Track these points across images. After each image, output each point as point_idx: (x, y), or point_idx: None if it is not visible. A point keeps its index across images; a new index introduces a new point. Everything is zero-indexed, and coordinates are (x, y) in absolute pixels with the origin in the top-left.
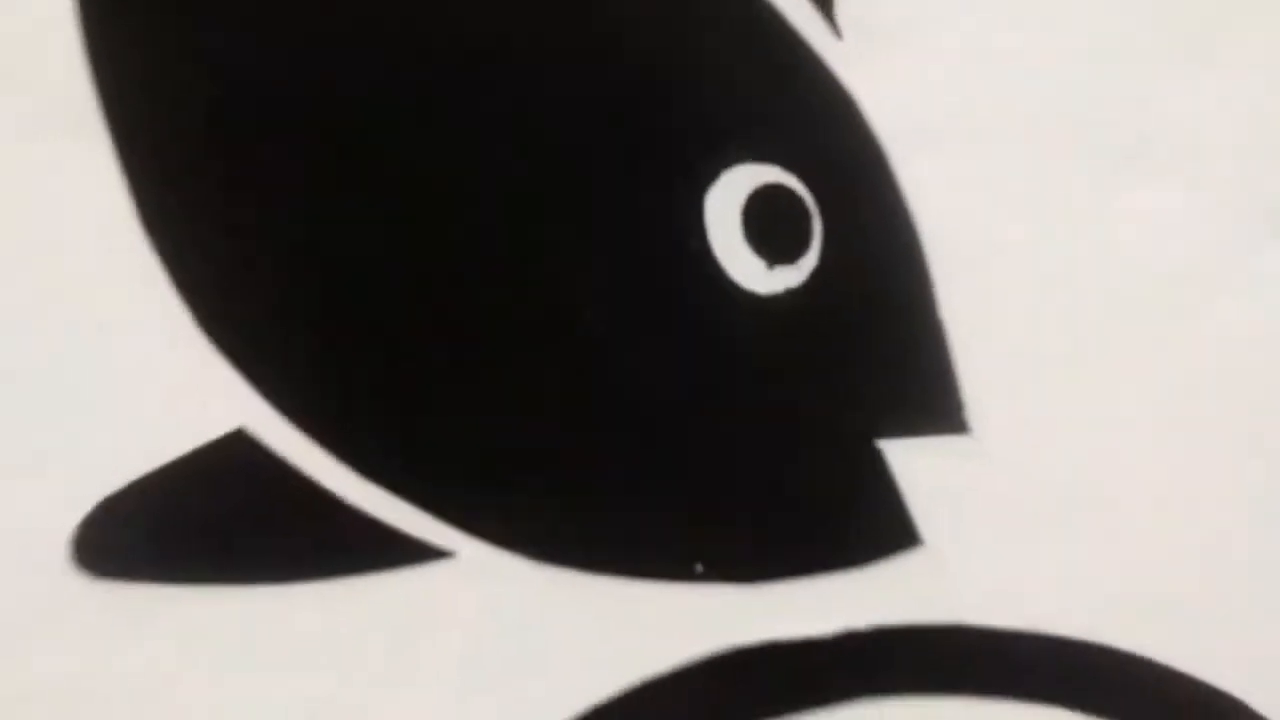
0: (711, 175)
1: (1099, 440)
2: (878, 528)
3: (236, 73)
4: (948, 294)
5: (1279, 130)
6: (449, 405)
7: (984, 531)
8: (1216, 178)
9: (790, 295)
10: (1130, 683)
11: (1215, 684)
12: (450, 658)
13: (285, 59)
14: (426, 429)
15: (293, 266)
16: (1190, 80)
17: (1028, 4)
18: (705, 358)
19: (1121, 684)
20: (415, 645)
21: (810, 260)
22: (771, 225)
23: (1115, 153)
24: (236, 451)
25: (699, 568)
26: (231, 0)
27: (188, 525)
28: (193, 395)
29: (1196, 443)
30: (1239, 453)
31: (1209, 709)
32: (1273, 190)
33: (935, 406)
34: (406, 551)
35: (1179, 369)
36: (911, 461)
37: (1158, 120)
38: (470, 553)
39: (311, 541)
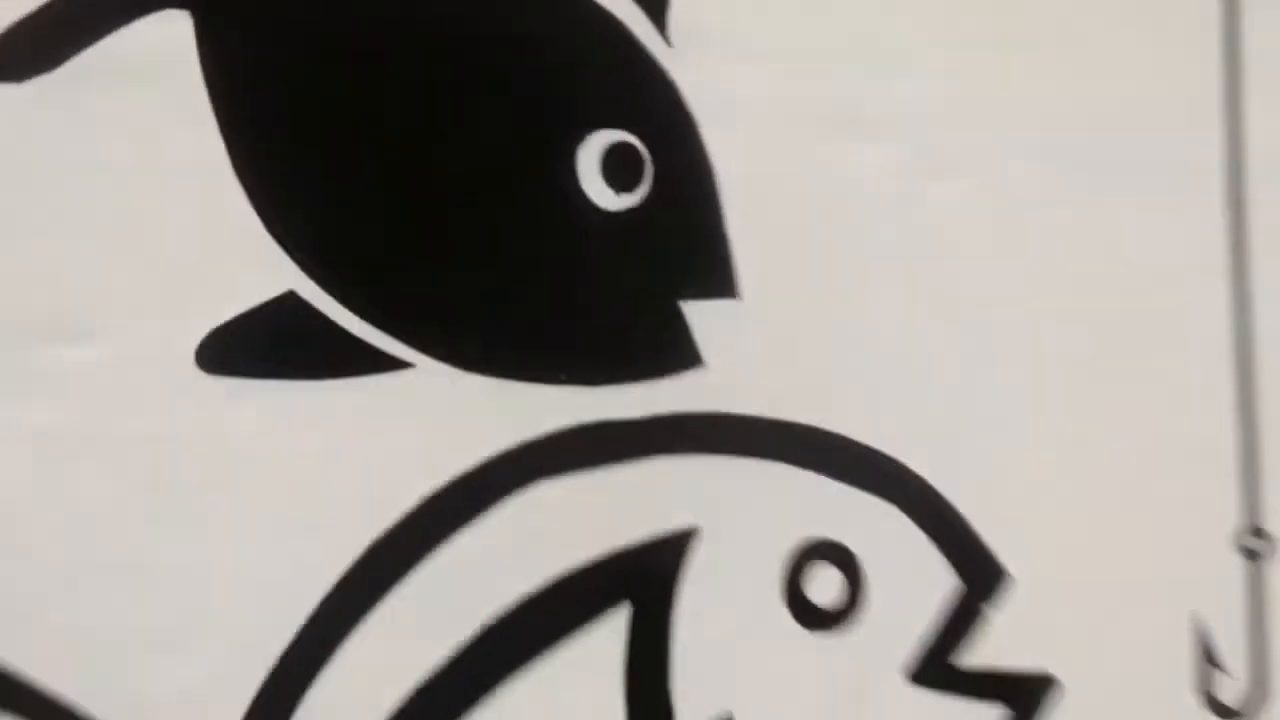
0: (581, 136)
1: (824, 303)
2: (675, 354)
3: (289, 74)
4: (732, 211)
5: (962, 103)
6: (415, 273)
7: (744, 357)
8: (912, 137)
9: (629, 211)
10: (827, 449)
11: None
12: (413, 423)
13: (317, 64)
14: (402, 289)
15: (319, 195)
16: (907, 70)
17: (801, 25)
18: (575, 249)
19: (824, 450)
20: (391, 416)
21: (644, 189)
22: (619, 167)
23: (847, 120)
24: (289, 303)
25: (563, 376)
26: (290, 30)
27: (261, 345)
28: (264, 272)
29: (889, 303)
30: (921, 311)
31: (870, 469)
32: (948, 147)
33: (718, 280)
34: (386, 363)
35: (880, 259)
36: (700, 314)
37: (876, 97)
38: (425, 364)
39: (332, 355)
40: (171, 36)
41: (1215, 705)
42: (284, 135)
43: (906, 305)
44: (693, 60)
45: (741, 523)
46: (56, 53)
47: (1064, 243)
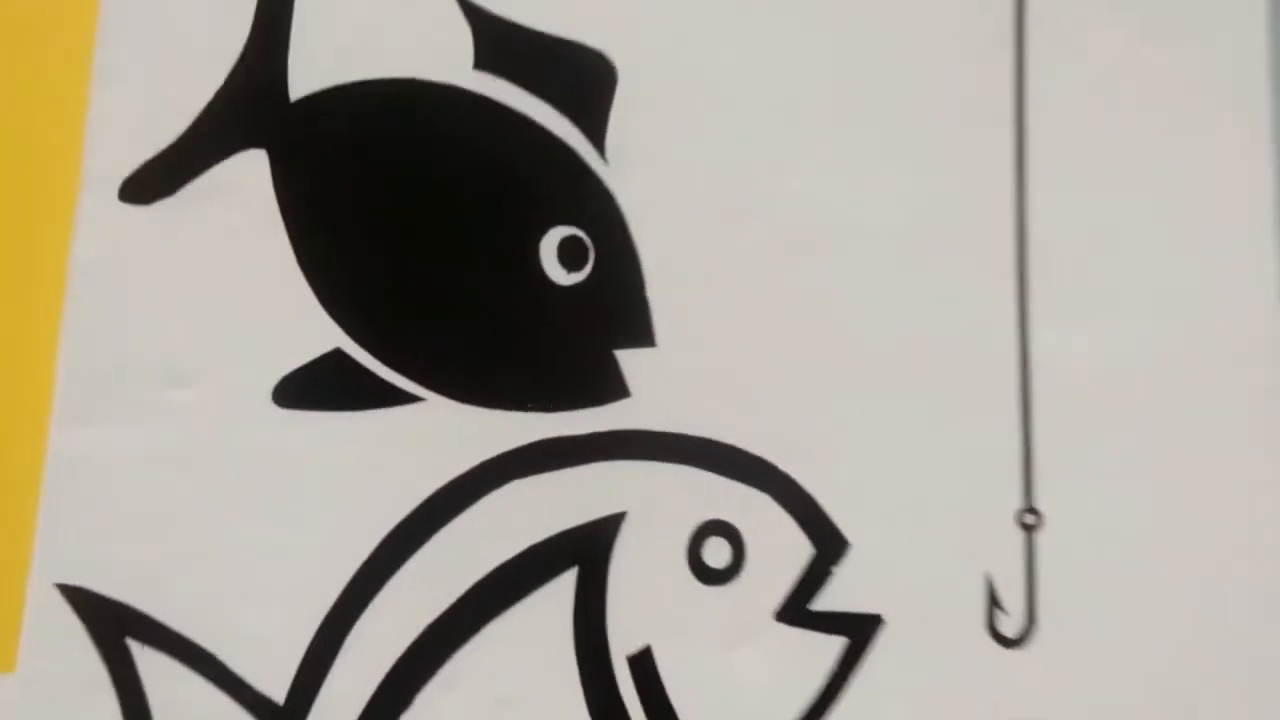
0: (543, 230)
1: (719, 349)
2: (610, 388)
3: (334, 193)
4: (651, 283)
5: (820, 193)
6: (426, 332)
7: (659, 390)
8: (782, 221)
9: (577, 285)
10: (720, 455)
11: (757, 452)
12: (424, 440)
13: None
14: (416, 343)
15: (358, 279)
16: (782, 168)
17: (701, 142)
18: (539, 313)
19: (718, 456)
20: (409, 435)
21: (587, 269)
22: (570, 253)
23: (735, 210)
24: (336, 357)
25: (530, 405)
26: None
27: (318, 386)
28: (320, 335)
29: (766, 348)
30: (790, 354)
31: (751, 469)
32: (811, 228)
33: (640, 333)
34: (404, 397)
35: (760, 315)
36: (628, 359)
37: (755, 191)
38: (432, 398)
39: (366, 393)
40: (253, 168)
41: (999, 637)
42: (332, 238)
43: (779, 349)
44: (623, 173)
45: (658, 508)
46: (174, 183)
47: (892, 301)
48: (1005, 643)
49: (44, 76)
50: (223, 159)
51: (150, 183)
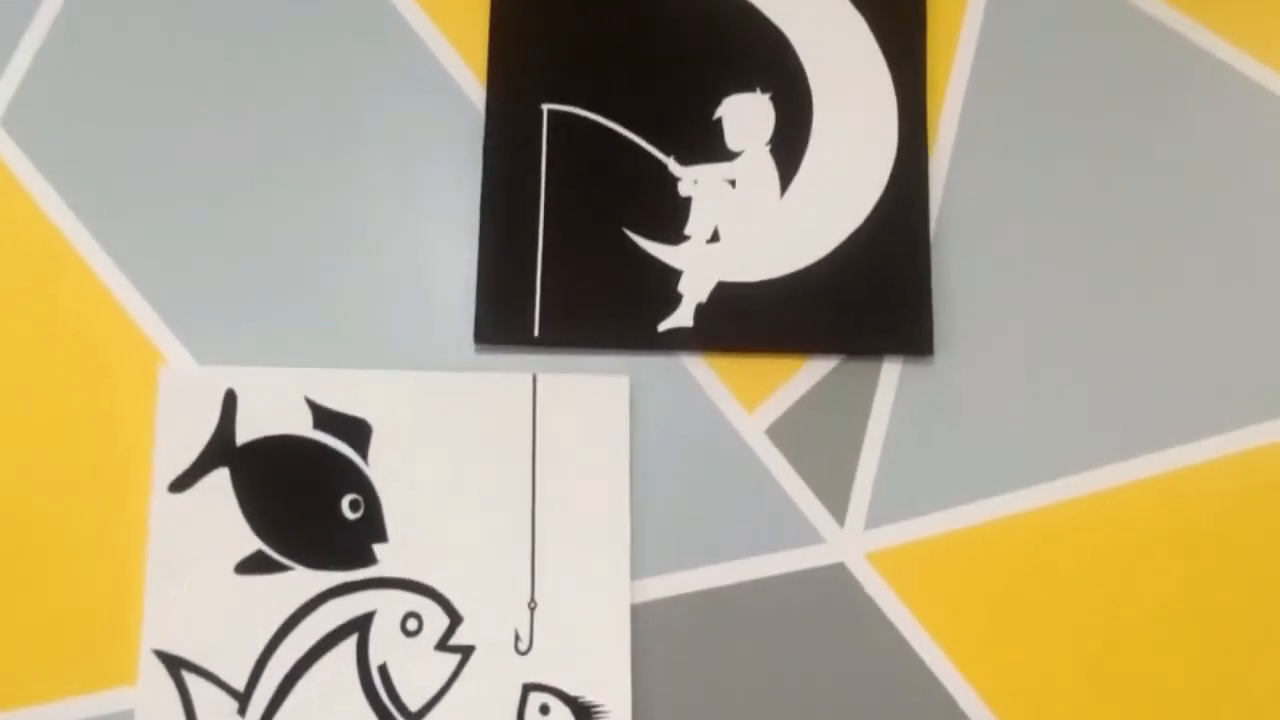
0: (342, 495)
1: (424, 546)
2: (369, 559)
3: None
4: (388, 516)
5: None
6: (295, 541)
7: (391, 560)
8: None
9: (356, 519)
10: (418, 586)
11: (427, 583)
12: (294, 587)
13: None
14: (291, 546)
15: (268, 524)
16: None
17: (407, 456)
18: (339, 532)
19: (414, 586)
20: (287, 583)
21: (361, 511)
22: (354, 505)
23: (438, 486)
24: (259, 553)
25: (338, 567)
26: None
27: (254, 566)
28: (252, 543)
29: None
30: None
31: (425, 589)
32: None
33: (381, 536)
34: (287, 568)
35: (441, 540)
36: (379, 548)
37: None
38: (299, 568)
39: (271, 567)
40: (223, 475)
41: (518, 650)
42: (258, 506)
43: (458, 544)
44: (376, 470)
45: (389, 608)
46: (191, 482)
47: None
48: (520, 653)
49: (124, 453)
50: (211, 471)
51: (182, 482)
